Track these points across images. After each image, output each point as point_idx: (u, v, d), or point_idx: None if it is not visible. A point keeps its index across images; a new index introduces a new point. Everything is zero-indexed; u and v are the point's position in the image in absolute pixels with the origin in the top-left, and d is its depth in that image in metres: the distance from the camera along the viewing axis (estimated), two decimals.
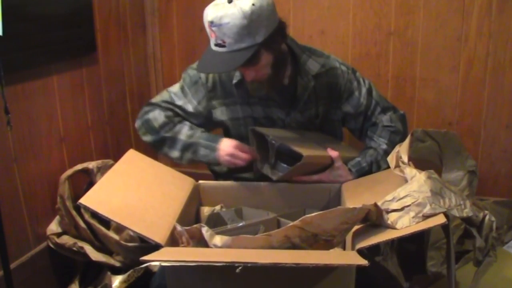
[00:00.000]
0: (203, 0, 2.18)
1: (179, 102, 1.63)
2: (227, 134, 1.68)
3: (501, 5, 1.86)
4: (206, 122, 1.65)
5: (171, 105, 1.63)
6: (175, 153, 1.60)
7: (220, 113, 1.63)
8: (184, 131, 1.59)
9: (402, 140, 1.59)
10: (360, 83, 1.65)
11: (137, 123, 1.67)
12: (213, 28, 1.36)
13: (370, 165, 1.58)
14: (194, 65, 1.63)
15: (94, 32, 1.94)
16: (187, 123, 1.62)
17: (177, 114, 1.63)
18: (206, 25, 1.39)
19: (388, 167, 1.54)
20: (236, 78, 1.58)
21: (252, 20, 1.34)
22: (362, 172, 1.56)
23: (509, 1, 1.85)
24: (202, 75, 1.61)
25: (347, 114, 1.66)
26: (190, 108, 1.62)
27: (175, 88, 1.65)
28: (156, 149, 1.65)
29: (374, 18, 2.02)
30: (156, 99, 1.66)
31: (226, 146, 1.54)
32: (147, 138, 1.64)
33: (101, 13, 1.98)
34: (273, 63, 1.47)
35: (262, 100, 1.59)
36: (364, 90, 1.64)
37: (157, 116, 1.61)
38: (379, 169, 1.57)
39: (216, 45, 1.39)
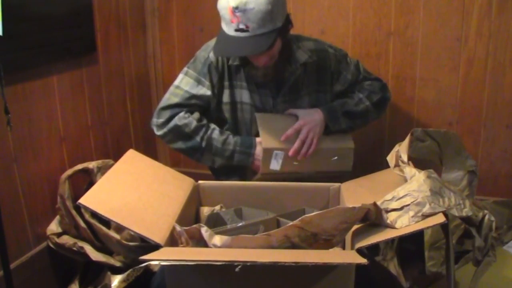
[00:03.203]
0: (203, 0, 2.20)
1: (200, 92, 1.63)
2: (223, 118, 1.69)
3: (501, 5, 1.85)
4: (217, 104, 1.67)
5: (193, 98, 1.63)
6: (207, 157, 1.63)
7: (225, 95, 1.66)
8: (216, 136, 1.61)
9: (381, 100, 1.72)
10: (348, 63, 1.72)
11: (161, 131, 1.63)
12: (237, 14, 1.40)
13: (342, 104, 1.65)
14: (201, 56, 1.66)
15: (94, 32, 1.94)
16: (215, 127, 1.63)
17: (199, 106, 1.65)
18: (227, 10, 1.43)
19: (365, 111, 1.68)
20: (233, 61, 1.62)
21: (274, 5, 1.41)
22: (331, 109, 1.63)
23: (509, 1, 1.85)
24: (213, 59, 1.63)
25: (339, 93, 1.72)
26: (209, 93, 1.64)
27: (186, 81, 1.65)
28: (188, 154, 1.65)
29: (374, 18, 2.02)
30: (171, 99, 1.64)
31: (260, 152, 1.58)
32: (178, 145, 1.63)
33: (101, 13, 1.99)
34: (281, 49, 1.55)
35: (260, 88, 1.64)
36: (351, 67, 1.72)
37: (188, 121, 1.60)
38: (354, 107, 1.66)
39: (238, 30, 1.43)
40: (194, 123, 1.60)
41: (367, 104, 1.68)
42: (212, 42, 1.66)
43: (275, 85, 1.65)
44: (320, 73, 1.68)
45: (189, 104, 1.63)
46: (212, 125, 1.64)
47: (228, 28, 1.46)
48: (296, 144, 1.56)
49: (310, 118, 1.59)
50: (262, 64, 1.54)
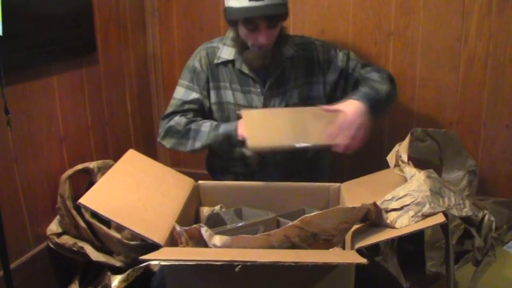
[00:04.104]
0: (203, 0, 2.20)
1: (190, 97, 1.70)
2: (215, 120, 1.73)
3: (501, 5, 1.85)
4: (209, 106, 1.72)
5: (185, 104, 1.70)
6: (197, 143, 1.65)
7: (212, 96, 1.71)
8: (207, 124, 1.66)
9: (388, 79, 1.68)
10: (337, 52, 1.74)
11: (160, 137, 1.72)
12: None
13: (375, 90, 1.59)
14: (188, 65, 1.74)
15: (94, 32, 1.94)
16: (208, 120, 1.68)
17: (194, 110, 1.71)
18: None
19: (387, 91, 1.60)
20: (218, 59, 1.68)
21: None
22: (370, 97, 1.54)
23: (509, 1, 1.85)
24: (197, 64, 1.70)
25: (334, 83, 1.72)
26: (200, 96, 1.70)
27: (179, 91, 1.73)
28: (181, 146, 1.68)
29: (374, 18, 2.02)
30: (168, 110, 1.73)
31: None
32: (171, 141, 1.69)
33: (101, 13, 1.99)
34: (278, 34, 1.61)
35: (243, 86, 1.68)
36: (341, 55, 1.73)
37: (179, 120, 1.68)
38: (378, 94, 1.59)
39: None
40: (184, 120, 1.67)
41: (387, 81, 1.66)
42: (198, 50, 1.74)
43: (260, 81, 1.67)
44: (308, 65, 1.71)
45: (183, 110, 1.71)
46: (206, 120, 1.68)
47: (240, 1, 1.49)
48: (346, 141, 1.48)
49: (355, 111, 1.49)
50: (266, 41, 1.56)
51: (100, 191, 1.27)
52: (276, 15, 1.53)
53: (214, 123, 1.65)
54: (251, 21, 1.53)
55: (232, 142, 1.61)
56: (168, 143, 1.70)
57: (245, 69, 1.66)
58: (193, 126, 1.66)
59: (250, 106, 1.68)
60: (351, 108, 1.50)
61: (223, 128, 1.62)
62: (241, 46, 1.64)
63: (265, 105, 1.68)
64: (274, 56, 1.64)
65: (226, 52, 1.68)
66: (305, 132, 1.51)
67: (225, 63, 1.68)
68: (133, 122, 2.25)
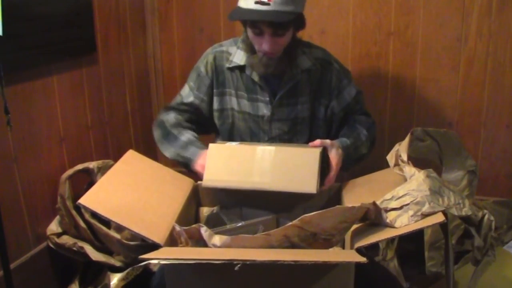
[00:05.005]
0: (203, 0, 2.20)
1: (189, 100, 1.69)
2: (213, 125, 1.72)
3: (501, 5, 1.86)
4: (210, 112, 1.70)
5: (182, 105, 1.70)
6: (171, 151, 1.63)
7: (215, 103, 1.69)
8: (187, 135, 1.64)
9: (375, 139, 1.67)
10: (350, 83, 1.66)
11: (154, 124, 1.74)
12: None
13: (356, 149, 1.58)
14: (196, 66, 1.71)
15: (94, 32, 1.94)
16: (191, 132, 1.66)
17: (189, 112, 1.70)
18: None
19: (362, 155, 1.60)
20: (230, 63, 1.63)
21: None
22: (348, 155, 1.53)
23: (509, 1, 1.85)
24: (203, 69, 1.67)
25: (334, 111, 1.66)
26: (197, 101, 1.69)
27: (185, 89, 1.73)
28: (160, 144, 1.68)
29: (374, 18, 2.02)
30: (172, 102, 1.74)
31: (203, 158, 1.52)
32: (157, 134, 1.70)
33: (101, 13, 1.99)
34: (289, 43, 1.53)
35: (250, 94, 1.63)
36: (352, 90, 1.66)
37: (169, 118, 1.68)
38: (362, 150, 1.60)
39: (258, 2, 1.42)
40: (173, 120, 1.67)
41: (368, 145, 1.64)
42: (206, 53, 1.70)
43: (268, 90, 1.62)
44: (321, 84, 1.64)
45: (180, 109, 1.71)
46: (189, 131, 1.65)
47: (247, 2, 1.43)
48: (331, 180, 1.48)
49: (340, 158, 1.49)
50: (269, 49, 1.49)
51: (100, 191, 1.27)
52: (280, 23, 1.44)
53: (192, 138, 1.61)
54: (255, 24, 1.47)
55: (188, 169, 1.59)
56: (155, 134, 1.70)
57: (255, 76, 1.60)
58: (174, 131, 1.64)
59: (256, 114, 1.64)
60: (338, 155, 1.48)
61: (190, 152, 1.57)
62: (250, 49, 1.58)
63: (273, 115, 1.63)
64: (288, 66, 1.58)
65: (238, 57, 1.62)
66: (266, 176, 1.44)
67: (234, 68, 1.63)
68: (133, 122, 2.25)
